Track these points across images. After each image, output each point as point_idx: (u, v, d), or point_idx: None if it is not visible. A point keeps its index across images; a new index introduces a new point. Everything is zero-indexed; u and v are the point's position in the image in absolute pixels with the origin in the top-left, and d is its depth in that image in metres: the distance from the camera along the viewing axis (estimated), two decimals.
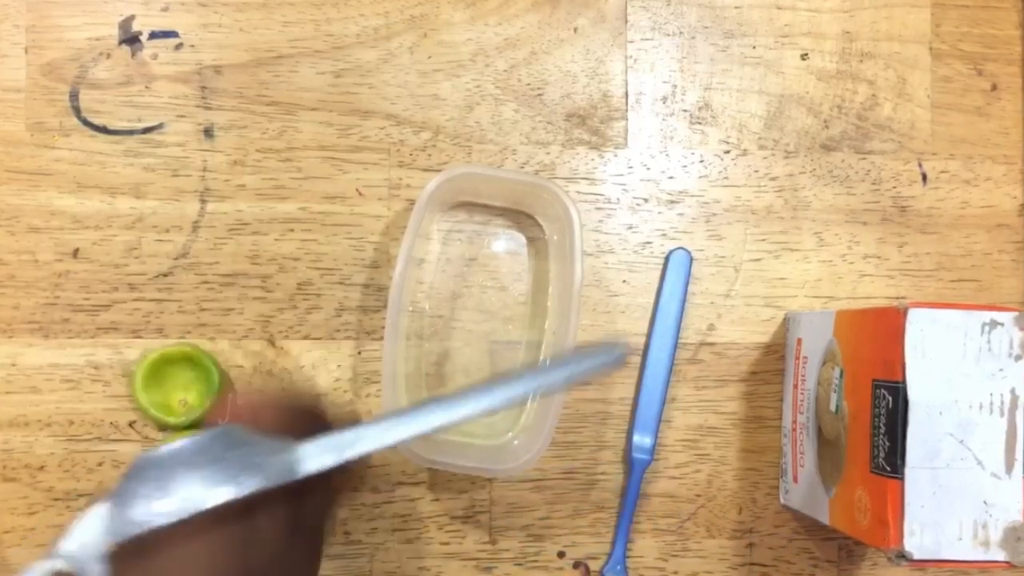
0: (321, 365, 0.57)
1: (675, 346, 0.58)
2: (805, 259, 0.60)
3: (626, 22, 0.60)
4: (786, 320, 0.59)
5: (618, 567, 0.57)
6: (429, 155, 0.58)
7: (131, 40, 0.57)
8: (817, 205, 0.60)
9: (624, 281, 0.59)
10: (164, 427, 0.55)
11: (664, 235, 0.59)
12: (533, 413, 0.56)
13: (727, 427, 0.59)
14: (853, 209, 0.60)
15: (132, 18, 0.57)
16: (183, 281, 0.57)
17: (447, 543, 0.57)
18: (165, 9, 0.57)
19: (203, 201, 0.57)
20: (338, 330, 0.57)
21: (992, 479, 0.44)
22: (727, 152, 0.60)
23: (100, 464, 0.56)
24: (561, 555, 0.58)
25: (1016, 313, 0.44)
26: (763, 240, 0.59)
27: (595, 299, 0.58)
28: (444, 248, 0.58)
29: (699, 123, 0.60)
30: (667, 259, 0.58)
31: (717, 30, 0.60)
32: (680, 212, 0.59)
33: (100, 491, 0.35)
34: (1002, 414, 0.44)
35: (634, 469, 0.57)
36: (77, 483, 0.56)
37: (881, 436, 0.44)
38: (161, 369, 0.54)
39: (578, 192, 0.59)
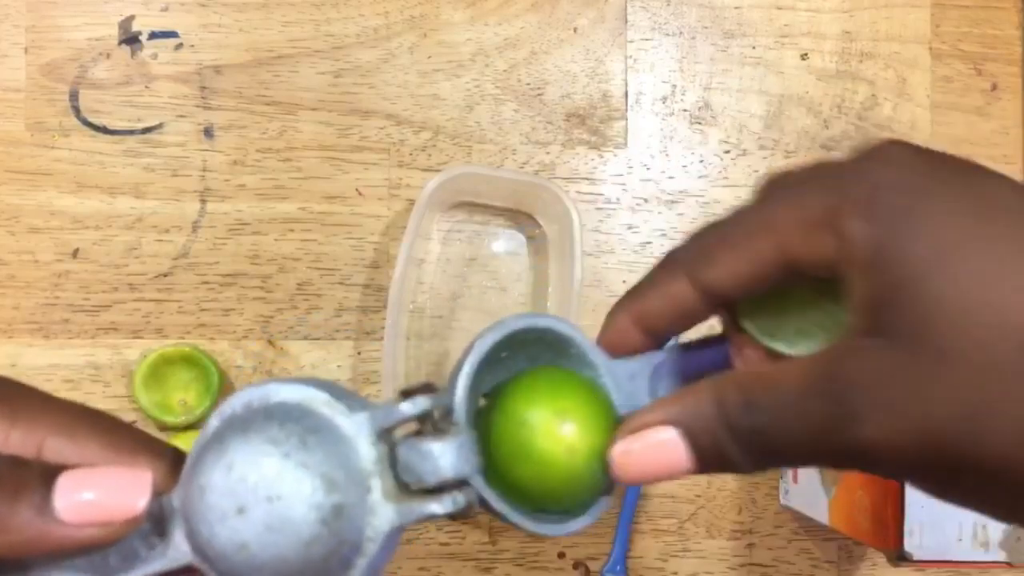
0: (321, 365, 0.57)
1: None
2: None
3: (626, 22, 0.60)
4: None
5: (618, 567, 0.57)
6: (429, 155, 0.58)
7: (131, 40, 0.57)
8: None
9: (624, 281, 0.59)
10: (164, 427, 0.55)
11: (664, 235, 0.59)
12: None
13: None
14: None
15: (132, 18, 0.57)
16: (183, 281, 0.57)
17: (447, 543, 0.57)
18: (165, 9, 0.57)
19: (203, 201, 0.57)
20: (338, 330, 0.57)
21: None
22: (727, 152, 0.60)
23: None
24: (561, 555, 0.58)
25: None
26: None
27: (595, 299, 0.58)
28: (444, 248, 0.58)
29: (699, 123, 0.60)
30: None
31: (717, 30, 0.60)
32: (680, 212, 0.59)
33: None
34: None
35: None
36: None
37: None
38: (161, 369, 0.54)
39: (578, 192, 0.59)
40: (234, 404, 0.25)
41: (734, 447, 0.23)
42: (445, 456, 0.25)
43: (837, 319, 0.26)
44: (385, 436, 0.25)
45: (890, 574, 0.59)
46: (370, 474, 0.25)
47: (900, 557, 0.43)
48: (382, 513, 0.24)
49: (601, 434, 0.25)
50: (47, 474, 0.24)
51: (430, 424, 0.26)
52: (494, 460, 0.26)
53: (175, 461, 0.26)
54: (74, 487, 0.24)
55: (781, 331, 0.27)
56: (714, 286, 0.26)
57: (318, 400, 0.25)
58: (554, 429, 0.25)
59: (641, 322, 0.27)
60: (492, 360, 0.26)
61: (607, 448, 0.25)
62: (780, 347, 0.27)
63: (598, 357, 0.27)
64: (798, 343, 0.26)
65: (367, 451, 0.25)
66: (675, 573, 0.58)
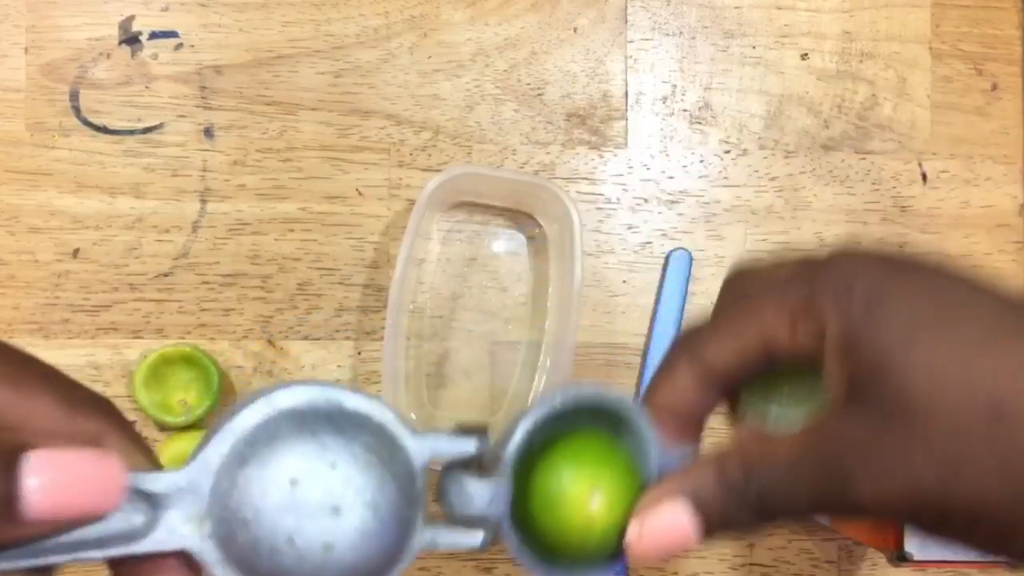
0: (321, 365, 0.57)
1: None
2: None
3: (626, 22, 0.60)
4: None
5: (618, 567, 0.57)
6: (429, 155, 0.58)
7: (131, 40, 0.57)
8: (817, 205, 0.60)
9: (624, 281, 0.59)
10: (164, 427, 0.55)
11: (664, 235, 0.59)
12: None
13: (727, 427, 0.59)
14: (853, 209, 0.60)
15: (132, 18, 0.57)
16: (183, 281, 0.57)
17: None
18: (165, 9, 0.57)
19: (203, 201, 0.57)
20: (338, 330, 0.57)
21: None
22: (727, 152, 0.60)
23: None
24: None
25: None
26: (763, 240, 0.59)
27: (595, 299, 0.58)
28: (444, 248, 0.58)
29: (699, 123, 0.60)
30: (667, 259, 0.58)
31: (717, 30, 0.60)
32: (680, 212, 0.59)
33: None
34: None
35: None
36: None
37: None
38: (161, 369, 0.54)
39: (578, 192, 0.59)
40: (291, 398, 0.25)
41: (741, 513, 0.27)
42: (482, 497, 0.27)
43: (820, 388, 0.29)
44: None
45: (890, 574, 0.59)
46: (421, 495, 0.27)
47: (900, 557, 0.43)
48: (424, 533, 0.27)
49: (623, 512, 0.28)
50: (6, 459, 0.21)
51: (474, 461, 0.27)
52: (526, 500, 0.28)
53: (125, 425, 0.25)
54: (43, 486, 0.21)
55: (775, 400, 0.30)
56: (711, 371, 0.29)
57: (387, 417, 0.26)
58: (582, 500, 0.28)
59: (664, 410, 0.30)
60: (557, 414, 0.28)
61: (624, 523, 0.28)
62: (773, 413, 0.30)
63: (652, 445, 0.29)
64: (789, 409, 0.30)
65: (420, 474, 0.27)
66: (675, 573, 0.58)
